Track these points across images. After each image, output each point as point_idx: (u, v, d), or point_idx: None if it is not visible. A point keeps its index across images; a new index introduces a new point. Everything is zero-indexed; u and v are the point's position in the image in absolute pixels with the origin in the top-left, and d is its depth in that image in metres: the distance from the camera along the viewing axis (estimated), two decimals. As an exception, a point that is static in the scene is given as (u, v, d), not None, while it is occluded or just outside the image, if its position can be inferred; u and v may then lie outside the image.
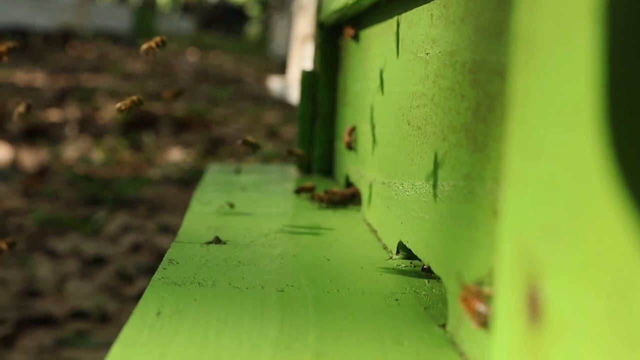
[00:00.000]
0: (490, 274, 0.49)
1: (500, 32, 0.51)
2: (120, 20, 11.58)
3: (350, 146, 1.14)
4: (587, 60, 0.30)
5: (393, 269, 0.77)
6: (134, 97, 0.88)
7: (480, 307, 0.46)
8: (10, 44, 0.92)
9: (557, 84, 0.32)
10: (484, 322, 0.46)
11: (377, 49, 1.01)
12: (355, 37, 1.19)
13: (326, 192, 1.11)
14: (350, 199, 1.10)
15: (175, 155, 3.94)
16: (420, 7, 0.77)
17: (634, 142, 0.29)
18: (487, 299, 0.46)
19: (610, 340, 0.28)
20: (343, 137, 1.17)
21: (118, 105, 0.88)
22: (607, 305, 0.28)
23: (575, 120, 0.31)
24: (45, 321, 1.82)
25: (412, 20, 0.80)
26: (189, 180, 3.37)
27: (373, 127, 1.00)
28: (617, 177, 0.29)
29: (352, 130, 1.14)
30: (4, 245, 0.82)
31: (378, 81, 0.98)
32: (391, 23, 0.92)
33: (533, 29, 0.34)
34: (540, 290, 0.32)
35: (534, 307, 0.32)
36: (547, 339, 0.32)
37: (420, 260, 0.74)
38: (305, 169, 1.45)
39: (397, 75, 0.87)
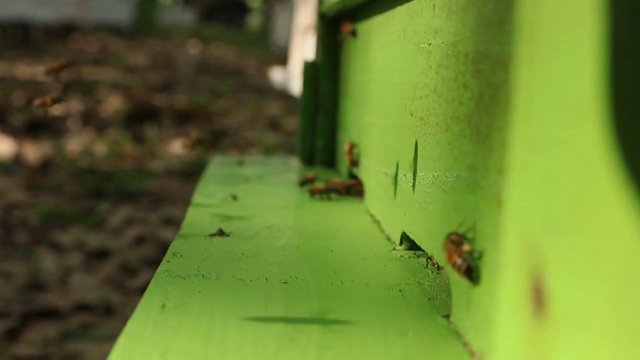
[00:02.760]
0: (469, 231, 0.55)
1: (503, 22, 0.51)
2: (121, 12, 11.56)
3: (354, 163, 1.13)
4: (592, 51, 0.30)
5: (396, 260, 0.77)
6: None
7: (458, 260, 0.54)
8: (62, 62, 0.89)
9: (561, 74, 0.32)
10: (462, 273, 0.53)
11: (378, 40, 1.00)
12: (353, 33, 1.19)
13: (327, 181, 1.11)
14: (349, 189, 1.10)
15: (178, 147, 3.95)
16: (423, -3, 0.76)
17: (638, 133, 0.28)
18: (465, 253, 0.54)
19: (615, 333, 0.28)
20: (344, 154, 1.16)
21: None
22: (611, 297, 0.28)
23: (579, 112, 0.31)
24: (50, 314, 1.83)
25: (414, 10, 0.80)
26: (191, 172, 3.37)
27: (375, 118, 1.00)
28: (621, 169, 0.28)
29: (352, 147, 1.13)
30: (48, 100, 0.79)
31: (380, 72, 0.98)
32: (393, 14, 0.91)
33: (537, 19, 0.34)
34: (544, 281, 0.32)
35: (538, 298, 0.32)
36: (551, 331, 0.32)
37: (423, 251, 0.74)
38: (308, 160, 1.45)
39: (399, 66, 0.87)
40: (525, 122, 0.36)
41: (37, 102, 0.82)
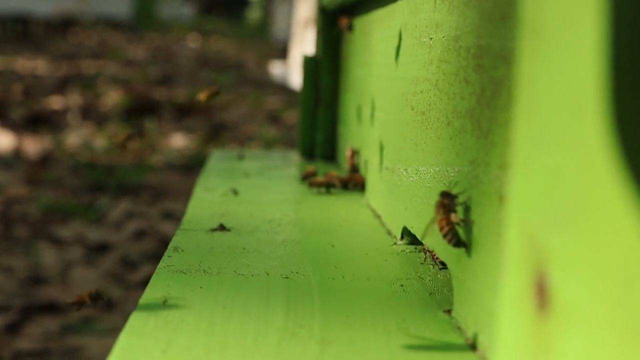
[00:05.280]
0: (461, 201, 0.57)
1: (504, 16, 0.51)
2: (121, 6, 11.52)
3: (355, 169, 1.13)
4: (594, 45, 0.29)
5: (398, 254, 0.77)
6: None
7: (447, 229, 0.55)
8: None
9: (563, 69, 0.32)
10: (452, 245, 0.55)
11: (379, 34, 1.00)
12: (350, 28, 1.19)
13: (326, 175, 1.11)
14: (347, 182, 1.10)
15: (178, 141, 3.94)
16: (424, -9, 0.76)
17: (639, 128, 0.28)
18: (455, 224, 0.55)
19: (618, 328, 0.28)
20: (345, 159, 1.17)
21: None
22: (614, 292, 0.28)
23: (581, 107, 0.31)
24: (51, 308, 1.83)
25: (415, 4, 0.80)
26: (191, 166, 3.37)
27: (376, 112, 1.00)
28: (623, 163, 0.28)
29: (354, 153, 1.14)
30: (86, 298, 0.72)
31: (381, 66, 0.97)
32: (394, 7, 0.91)
33: (539, 14, 0.34)
34: (547, 277, 0.32)
35: (541, 294, 0.32)
36: (554, 326, 0.32)
37: (424, 245, 0.74)
38: (308, 154, 1.45)
39: (400, 60, 0.86)
40: (527, 117, 0.36)
41: (71, 300, 0.74)
